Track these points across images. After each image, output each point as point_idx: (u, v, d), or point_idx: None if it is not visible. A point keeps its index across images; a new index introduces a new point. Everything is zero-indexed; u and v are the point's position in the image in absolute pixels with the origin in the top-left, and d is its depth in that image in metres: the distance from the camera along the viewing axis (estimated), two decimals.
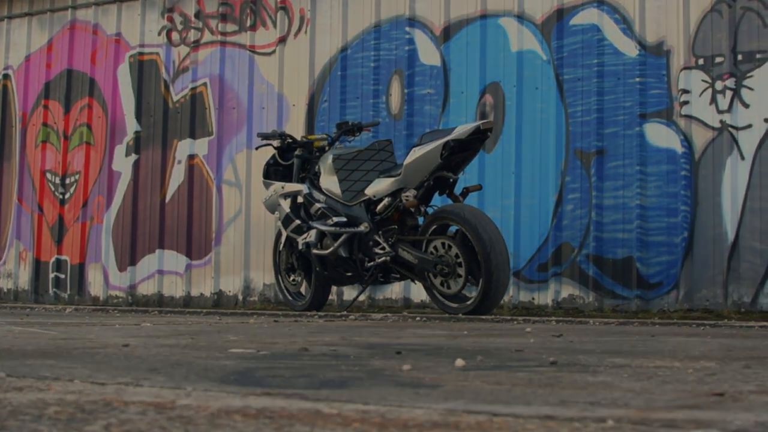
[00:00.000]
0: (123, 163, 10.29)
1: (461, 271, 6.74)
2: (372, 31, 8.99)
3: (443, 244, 6.82)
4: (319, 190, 7.67)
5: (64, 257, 10.55)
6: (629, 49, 7.85)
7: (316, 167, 7.79)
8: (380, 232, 7.19)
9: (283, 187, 7.87)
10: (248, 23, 9.67)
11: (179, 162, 9.90)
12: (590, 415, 1.84)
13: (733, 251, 7.34)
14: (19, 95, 11.06)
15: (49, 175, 10.73)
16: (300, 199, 7.82)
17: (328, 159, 7.60)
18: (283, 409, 1.93)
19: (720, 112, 7.47)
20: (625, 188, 7.77)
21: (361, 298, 8.40)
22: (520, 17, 8.31)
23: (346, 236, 7.29)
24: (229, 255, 9.55)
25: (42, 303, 10.43)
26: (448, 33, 8.63)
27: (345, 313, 7.52)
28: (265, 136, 7.99)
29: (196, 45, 9.95)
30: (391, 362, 2.98)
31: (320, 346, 3.73)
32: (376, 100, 8.89)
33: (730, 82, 7.44)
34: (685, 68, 7.64)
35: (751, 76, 7.40)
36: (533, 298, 8.03)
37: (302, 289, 8.02)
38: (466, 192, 7.08)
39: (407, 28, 8.83)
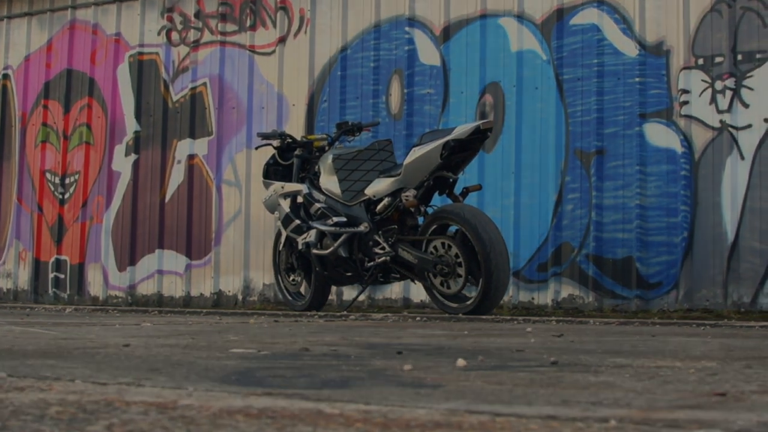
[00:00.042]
0: (123, 163, 10.28)
1: (461, 271, 6.74)
2: (372, 31, 8.99)
3: (443, 244, 6.82)
4: (319, 190, 7.67)
5: (63, 257, 10.55)
6: (629, 49, 7.85)
7: (316, 167, 7.78)
8: (380, 232, 7.19)
9: (282, 187, 7.87)
10: (248, 23, 9.67)
11: (179, 162, 9.90)
12: (593, 415, 1.84)
13: (732, 251, 7.34)
14: (18, 95, 11.06)
15: (48, 175, 10.73)
16: (300, 199, 7.82)
17: (328, 159, 7.60)
18: (285, 409, 1.93)
19: (720, 112, 7.47)
20: (624, 188, 7.77)
21: (361, 298, 8.40)
22: (520, 17, 8.31)
23: (345, 236, 7.28)
24: (228, 255, 9.55)
25: (41, 303, 10.43)
26: (447, 33, 8.63)
27: (345, 313, 7.51)
28: (265, 136, 7.98)
29: (195, 45, 9.95)
30: (392, 362, 2.98)
31: (321, 346, 3.73)
32: (376, 100, 8.89)
33: (730, 82, 7.44)
34: (685, 68, 7.64)
35: (751, 76, 7.40)
36: (533, 298, 8.03)
37: (302, 289, 8.01)
38: (466, 192, 7.08)
39: (407, 28, 8.83)
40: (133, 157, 10.21)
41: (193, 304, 9.61)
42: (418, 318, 6.67)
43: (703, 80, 7.56)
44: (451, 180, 7.01)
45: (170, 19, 10.14)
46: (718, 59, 7.51)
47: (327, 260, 7.45)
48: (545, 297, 7.98)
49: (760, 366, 2.88)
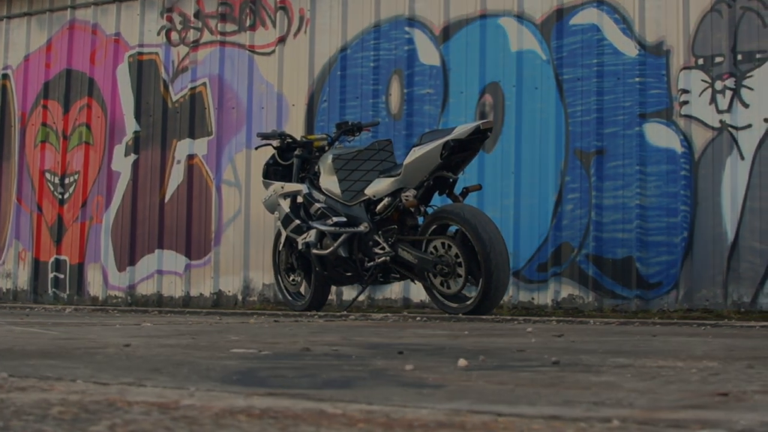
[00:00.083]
0: (122, 163, 10.28)
1: (461, 271, 6.74)
2: (371, 31, 8.99)
3: (443, 244, 6.82)
4: (319, 190, 7.67)
5: (63, 257, 10.54)
6: (629, 49, 7.85)
7: (316, 167, 7.78)
8: (380, 232, 7.19)
9: (282, 187, 7.87)
10: (248, 23, 9.67)
11: (178, 162, 9.90)
12: (595, 415, 1.84)
13: (732, 251, 7.34)
14: (18, 95, 11.06)
15: (48, 175, 10.73)
16: (300, 199, 7.82)
17: (328, 159, 7.60)
18: (288, 409, 1.93)
19: (720, 112, 7.47)
20: (624, 188, 7.77)
21: (361, 298, 8.39)
22: (520, 17, 8.31)
23: (345, 236, 7.28)
24: (228, 255, 9.54)
25: (41, 303, 10.42)
26: (447, 33, 8.63)
27: (345, 313, 7.51)
28: (264, 136, 7.98)
29: (195, 45, 9.95)
30: (393, 362, 2.98)
31: (322, 346, 3.73)
32: (376, 100, 8.89)
33: (730, 82, 7.44)
34: (685, 68, 7.64)
35: (750, 76, 7.40)
36: (533, 298, 8.03)
37: (302, 289, 8.01)
38: (465, 192, 7.08)
39: (407, 28, 8.82)
40: (132, 157, 10.21)
41: (192, 304, 9.60)
42: (418, 318, 6.67)
43: (703, 80, 7.56)
44: (451, 180, 7.01)
45: (170, 19, 10.13)
46: (718, 59, 7.51)
47: (327, 260, 7.45)
48: (545, 297, 7.98)
49: (761, 366, 2.87)
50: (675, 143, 7.62)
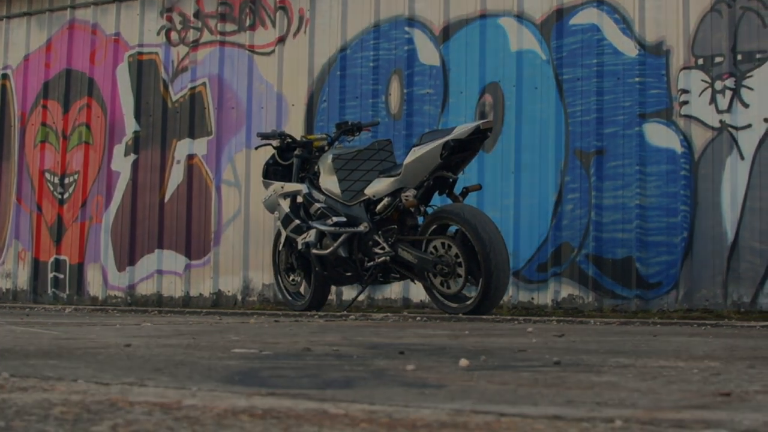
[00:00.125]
0: (122, 163, 10.28)
1: (461, 271, 6.74)
2: (371, 30, 8.99)
3: (443, 244, 6.81)
4: (319, 189, 7.67)
5: (63, 257, 10.54)
6: (629, 48, 7.85)
7: (316, 167, 7.78)
8: (380, 232, 7.18)
9: (282, 187, 7.87)
10: (247, 23, 9.66)
11: (178, 162, 9.90)
12: (598, 416, 1.83)
13: (732, 251, 7.34)
14: (17, 95, 11.05)
15: (48, 175, 10.72)
16: (299, 199, 7.82)
17: (328, 159, 7.60)
18: (290, 409, 1.92)
19: (719, 112, 7.47)
20: (624, 188, 7.77)
21: (360, 298, 8.39)
22: (520, 17, 8.31)
23: (345, 236, 7.28)
24: (228, 255, 9.54)
25: (41, 303, 10.42)
26: (447, 33, 8.63)
27: (345, 313, 7.51)
28: (264, 136, 7.98)
29: (195, 45, 9.95)
30: (394, 362, 2.97)
31: (322, 346, 3.73)
32: (376, 100, 8.88)
33: (730, 82, 7.44)
34: (685, 68, 7.64)
35: (750, 76, 7.40)
36: (533, 298, 8.03)
37: (301, 289, 8.01)
38: (465, 192, 7.08)
39: (406, 28, 8.82)
40: (132, 157, 10.21)
41: (192, 304, 9.60)
42: (418, 318, 6.67)
43: (702, 80, 7.56)
44: (451, 180, 7.01)
45: (169, 19, 10.13)
46: (717, 59, 7.51)
47: (327, 260, 7.44)
48: (545, 297, 7.98)
49: (763, 366, 2.87)
50: (675, 143, 7.62)
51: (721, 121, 7.45)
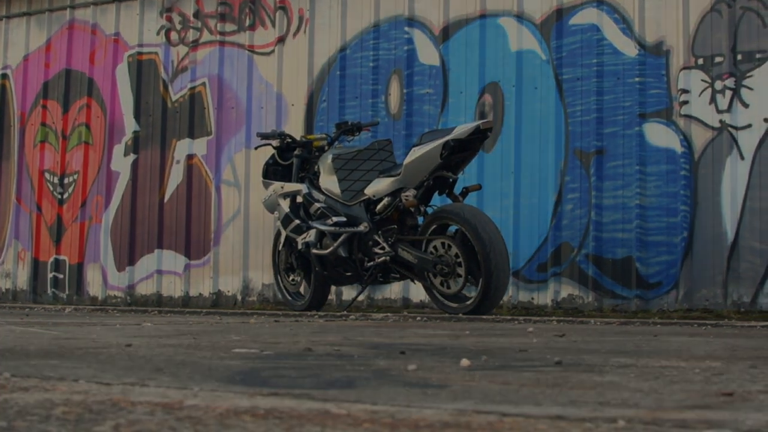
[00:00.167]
0: (122, 163, 10.27)
1: (461, 271, 6.73)
2: (371, 30, 8.98)
3: (443, 243, 6.81)
4: (319, 189, 7.66)
5: (62, 257, 10.54)
6: (629, 48, 7.85)
7: (316, 167, 7.78)
8: (380, 232, 7.18)
9: (282, 187, 7.87)
10: (247, 23, 9.66)
11: (178, 162, 9.89)
12: (601, 416, 1.83)
13: (732, 251, 7.34)
14: (17, 95, 11.05)
15: (47, 175, 10.72)
16: (299, 199, 7.82)
17: (328, 159, 7.59)
18: (292, 409, 1.92)
19: (719, 111, 7.47)
20: (624, 188, 7.77)
21: (360, 298, 8.39)
22: (520, 17, 8.31)
23: (345, 236, 7.28)
24: (227, 255, 9.54)
25: (40, 303, 10.42)
26: (447, 33, 8.63)
27: (345, 313, 7.51)
28: (264, 136, 7.98)
29: (194, 45, 9.94)
30: (395, 362, 2.97)
31: (323, 345, 3.72)
32: (375, 100, 8.88)
33: (730, 82, 7.44)
34: (685, 68, 7.64)
35: (750, 76, 7.40)
36: (532, 298, 8.03)
37: (301, 289, 8.01)
38: (465, 192, 7.07)
39: (406, 28, 8.82)
40: (132, 156, 10.21)
41: (192, 304, 9.60)
42: (418, 318, 6.67)
43: (702, 80, 7.56)
44: (450, 180, 7.00)
45: (169, 19, 10.13)
46: (717, 59, 7.51)
47: (327, 260, 7.44)
48: (545, 297, 7.98)
49: (765, 366, 2.87)
50: (675, 143, 7.62)
51: (721, 121, 7.45)
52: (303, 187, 7.73)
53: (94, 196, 10.39)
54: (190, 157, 9.83)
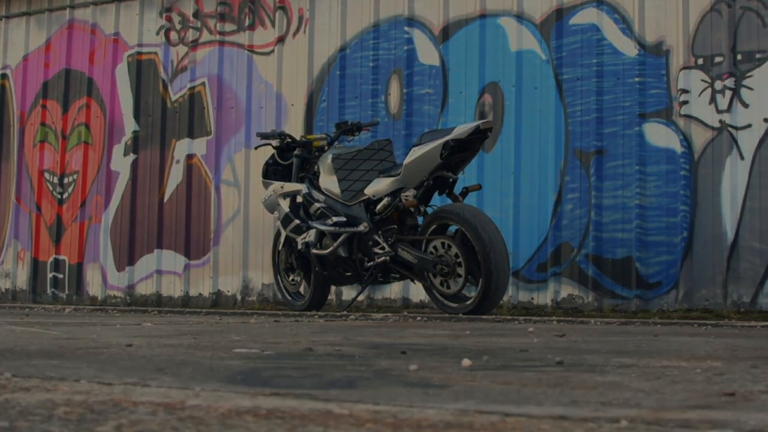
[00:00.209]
0: (121, 163, 10.27)
1: (461, 271, 6.73)
2: (371, 30, 8.98)
3: (443, 243, 6.81)
4: (319, 189, 7.66)
5: (62, 257, 10.53)
6: (628, 48, 7.85)
7: (316, 167, 7.78)
8: (380, 232, 7.18)
9: (282, 187, 7.86)
10: (247, 23, 9.66)
11: (177, 162, 9.89)
12: (603, 416, 1.83)
13: (732, 251, 7.34)
14: (17, 95, 11.04)
15: (47, 175, 10.72)
16: (299, 199, 7.81)
17: (328, 159, 7.59)
18: (294, 409, 1.92)
19: (719, 111, 7.47)
20: (624, 188, 7.77)
21: (360, 298, 8.39)
22: (520, 17, 8.31)
23: (345, 236, 7.28)
24: (227, 255, 9.54)
25: (40, 303, 10.41)
26: (447, 33, 8.63)
27: (345, 313, 7.51)
28: (264, 136, 7.97)
29: (194, 44, 9.94)
30: (397, 362, 2.97)
31: (324, 345, 3.72)
32: (375, 100, 8.88)
33: (730, 82, 7.44)
34: (685, 68, 7.64)
35: (750, 76, 7.40)
36: (532, 298, 8.03)
37: (301, 289, 8.01)
38: (465, 192, 7.07)
39: (406, 28, 8.82)
40: (131, 156, 10.20)
41: (191, 304, 9.60)
42: (418, 318, 6.67)
43: (702, 80, 7.56)
44: (450, 180, 7.00)
45: (169, 19, 10.13)
46: (717, 59, 7.51)
47: (326, 260, 7.44)
48: (545, 297, 7.98)
49: (766, 366, 2.87)
50: (675, 143, 7.62)
51: (720, 121, 7.45)
52: (303, 187, 7.73)
53: (93, 196, 10.39)
54: (189, 157, 9.83)
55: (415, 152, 6.85)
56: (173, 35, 10.09)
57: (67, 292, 10.48)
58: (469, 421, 1.78)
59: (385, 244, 7.10)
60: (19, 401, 2.03)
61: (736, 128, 7.39)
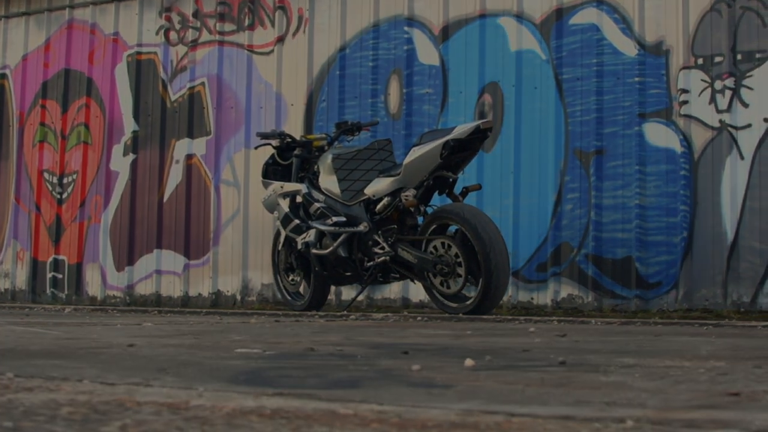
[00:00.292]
0: (121, 163, 10.26)
1: (461, 270, 6.73)
2: (370, 30, 8.98)
3: (443, 243, 6.81)
4: (319, 189, 7.66)
5: (61, 257, 10.53)
6: (628, 48, 7.84)
7: (315, 167, 7.77)
8: (380, 232, 7.18)
9: (282, 187, 7.86)
10: (246, 23, 9.65)
11: (177, 162, 9.88)
12: (608, 416, 1.83)
13: (732, 251, 7.34)
14: (16, 95, 11.04)
15: (46, 175, 10.71)
16: (299, 199, 7.81)
17: (327, 158, 7.59)
18: (299, 409, 1.92)
19: (719, 111, 7.47)
20: (624, 188, 7.77)
21: (360, 297, 8.38)
22: (519, 17, 8.30)
23: (345, 236, 7.27)
24: (227, 255, 9.53)
25: (39, 303, 10.41)
26: (446, 32, 8.63)
27: (345, 313, 7.50)
28: (264, 136, 7.97)
29: (194, 44, 9.93)
30: (399, 362, 2.97)
31: (326, 345, 3.72)
32: (375, 100, 8.88)
33: (730, 82, 7.44)
34: (685, 68, 7.63)
35: (750, 76, 7.39)
36: (532, 298, 8.02)
37: (301, 289, 8.00)
38: (465, 191, 7.07)
39: (406, 28, 8.82)
40: (131, 156, 10.20)
41: (191, 304, 9.59)
42: (418, 318, 6.66)
43: (702, 80, 7.56)
44: (450, 180, 7.00)
45: (168, 19, 10.12)
46: (717, 59, 7.51)
47: (326, 260, 7.44)
48: (545, 297, 7.97)
49: None
50: (674, 143, 7.61)
51: (720, 121, 7.45)
52: (303, 187, 7.72)
53: (93, 195, 10.38)
54: (189, 156, 9.82)
55: (415, 152, 6.85)
56: (173, 35, 10.08)
57: (66, 292, 10.47)
58: (474, 421, 1.78)
59: (385, 244, 7.10)
60: (23, 401, 2.03)
61: (736, 128, 7.39)
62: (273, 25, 9.51)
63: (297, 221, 7.64)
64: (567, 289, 7.90)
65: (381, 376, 2.55)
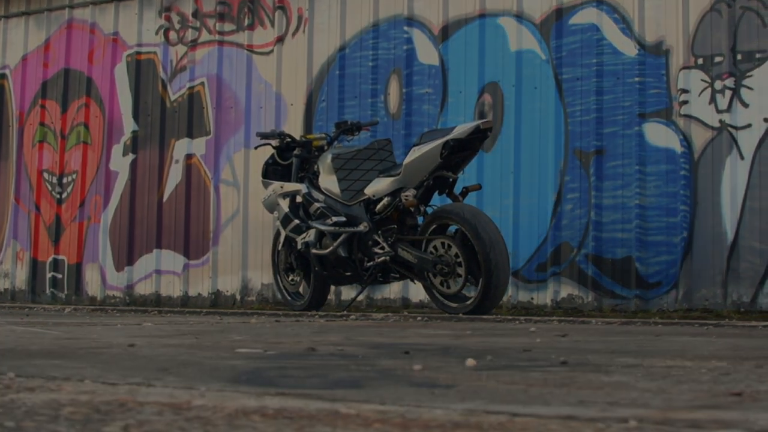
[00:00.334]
0: (120, 163, 10.26)
1: (461, 270, 6.73)
2: (370, 30, 8.98)
3: (443, 243, 6.80)
4: (318, 189, 7.65)
5: (61, 257, 10.52)
6: (628, 48, 7.84)
7: (315, 167, 7.77)
8: (379, 232, 7.17)
9: (282, 187, 7.86)
10: (246, 22, 9.65)
11: (177, 161, 9.88)
12: (611, 416, 1.83)
13: (732, 251, 7.34)
14: (16, 94, 11.03)
15: (46, 175, 10.71)
16: (299, 199, 7.81)
17: (327, 158, 7.59)
18: (301, 409, 1.92)
19: (719, 111, 7.47)
20: (624, 188, 7.77)
21: (360, 297, 8.38)
22: (519, 17, 8.30)
23: (345, 236, 7.27)
24: (226, 255, 9.53)
25: (39, 303, 10.40)
26: (446, 32, 8.62)
27: (345, 313, 7.50)
28: (264, 136, 7.97)
29: (193, 44, 9.93)
30: (400, 362, 2.96)
31: (326, 345, 3.72)
32: (375, 100, 8.88)
33: (730, 82, 7.43)
34: (685, 68, 7.63)
35: (750, 76, 7.39)
36: (532, 298, 8.02)
37: (301, 289, 8.00)
38: (465, 191, 7.07)
39: (405, 28, 8.81)
40: (130, 156, 10.19)
41: (191, 304, 9.59)
42: (419, 318, 6.66)
43: (702, 80, 7.56)
44: (450, 180, 7.00)
45: (168, 19, 10.12)
46: (717, 59, 7.51)
47: (326, 260, 7.43)
48: (544, 297, 7.97)
49: None
50: (674, 143, 7.61)
51: (720, 121, 7.45)
52: (302, 187, 7.72)
53: (92, 195, 10.38)
54: (188, 156, 9.82)
55: (415, 152, 6.85)
56: (172, 35, 10.08)
57: (66, 292, 10.47)
58: (477, 421, 1.77)
59: (385, 244, 7.09)
60: (25, 401, 2.02)
61: (736, 128, 7.39)
62: (273, 25, 9.51)
63: (297, 221, 7.64)
64: (567, 289, 7.90)
65: (382, 376, 2.54)
